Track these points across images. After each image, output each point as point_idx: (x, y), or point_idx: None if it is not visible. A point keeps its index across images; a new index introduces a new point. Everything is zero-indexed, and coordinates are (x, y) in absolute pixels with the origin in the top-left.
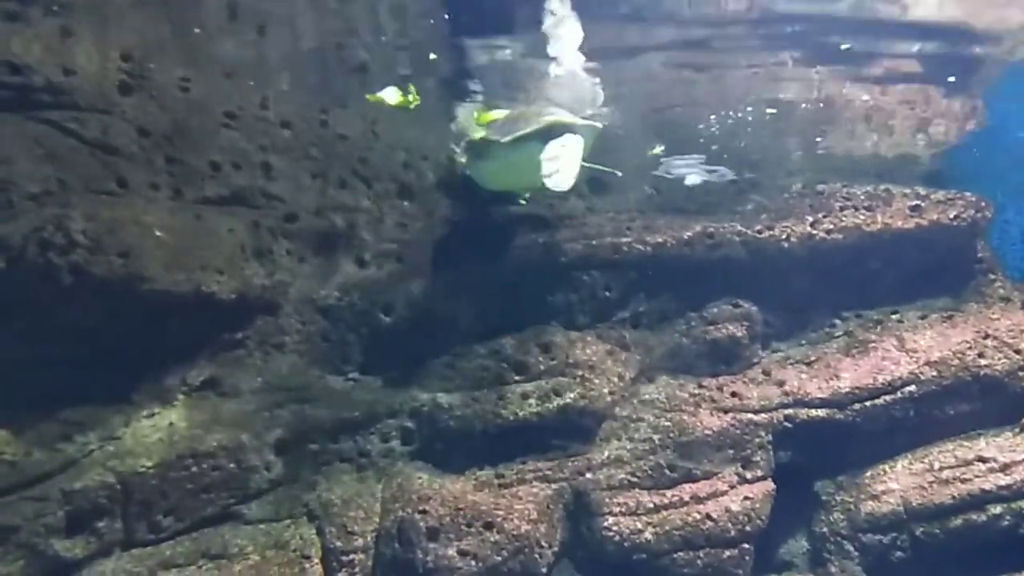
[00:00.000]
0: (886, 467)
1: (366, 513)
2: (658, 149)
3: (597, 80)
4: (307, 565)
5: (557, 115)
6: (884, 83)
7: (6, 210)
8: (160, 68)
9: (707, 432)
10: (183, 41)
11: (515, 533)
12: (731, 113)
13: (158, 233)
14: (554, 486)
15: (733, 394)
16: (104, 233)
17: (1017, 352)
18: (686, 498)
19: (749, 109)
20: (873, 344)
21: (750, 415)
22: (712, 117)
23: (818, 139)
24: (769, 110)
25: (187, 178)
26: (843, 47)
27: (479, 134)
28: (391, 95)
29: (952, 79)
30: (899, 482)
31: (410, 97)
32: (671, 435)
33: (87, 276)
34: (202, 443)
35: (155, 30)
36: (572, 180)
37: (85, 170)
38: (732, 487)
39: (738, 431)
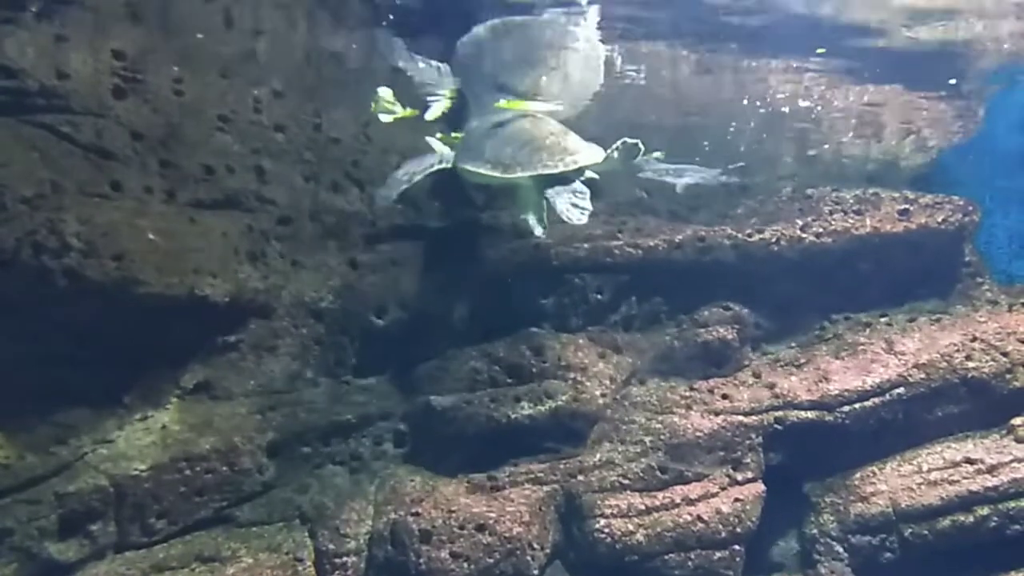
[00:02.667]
0: (875, 469)
1: (359, 516)
2: (657, 153)
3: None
4: (300, 568)
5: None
6: (874, 87)
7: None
8: (154, 72)
9: (698, 434)
10: (176, 45)
11: (507, 535)
12: (725, 116)
13: (152, 236)
14: (546, 488)
15: (724, 396)
16: (98, 236)
17: (1004, 355)
18: (677, 500)
19: (742, 112)
20: (862, 347)
21: (740, 417)
22: (706, 120)
23: (808, 143)
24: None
25: (181, 181)
26: (819, 51)
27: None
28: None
29: (953, 81)
30: (888, 484)
31: (396, 107)
32: (662, 437)
33: (81, 279)
34: (195, 446)
35: (148, 34)
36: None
37: (79, 173)
38: (723, 489)
39: (729, 433)
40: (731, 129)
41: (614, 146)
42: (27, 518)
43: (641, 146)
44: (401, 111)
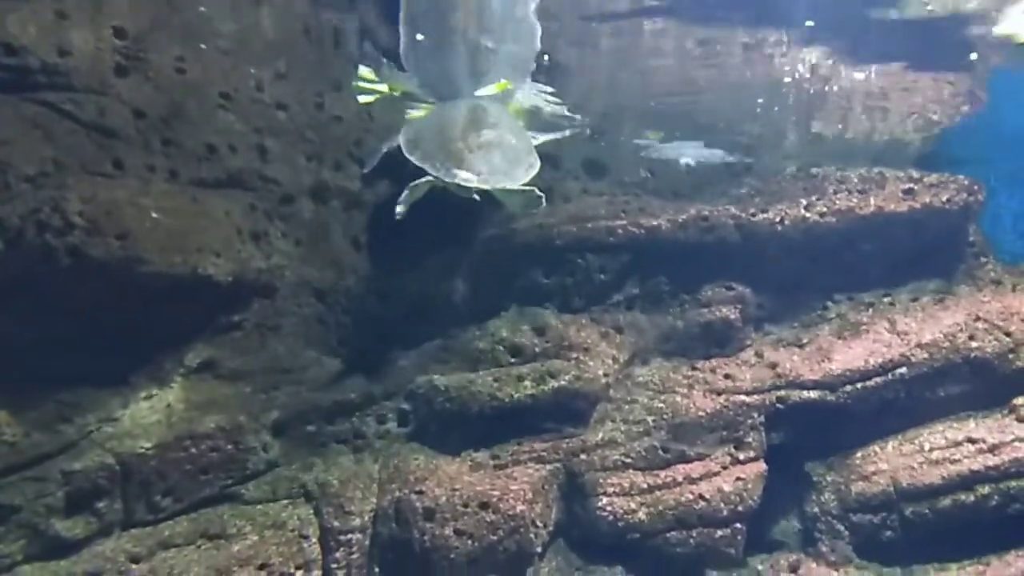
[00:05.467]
0: (877, 448)
1: (363, 494)
2: (650, 133)
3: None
4: (305, 545)
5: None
6: (879, 66)
7: (3, 192)
8: (156, 49)
9: (700, 414)
10: (179, 22)
11: (510, 513)
12: (730, 95)
13: (155, 215)
14: (549, 467)
15: (726, 376)
16: (101, 215)
17: (1007, 335)
18: (679, 479)
19: (747, 91)
20: (865, 326)
21: (743, 397)
22: (708, 99)
23: (812, 122)
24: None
25: (183, 160)
26: (808, 24)
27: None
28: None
29: (974, 56)
30: (889, 463)
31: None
32: (665, 417)
33: (85, 258)
34: (200, 424)
35: (151, 11)
36: None
37: (82, 152)
38: (725, 468)
39: (731, 412)
40: (735, 108)
41: (521, 187)
42: (34, 495)
43: (542, 202)
44: (380, 90)
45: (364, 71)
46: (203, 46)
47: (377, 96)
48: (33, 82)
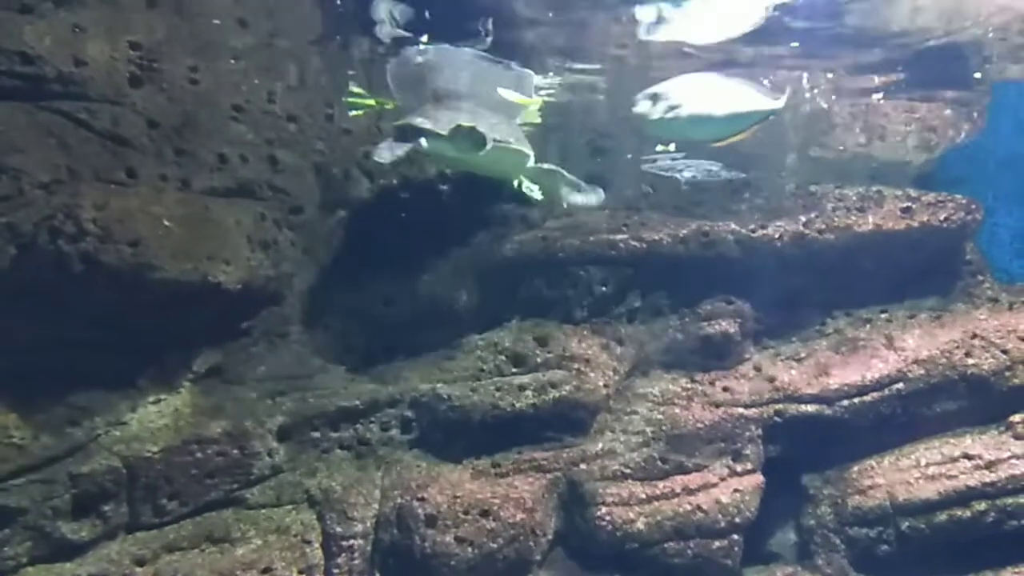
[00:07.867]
0: (873, 463)
1: (366, 500)
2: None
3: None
4: (307, 550)
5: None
6: (879, 86)
7: (17, 198)
8: (169, 60)
9: (699, 426)
10: (193, 33)
11: (511, 521)
12: None
13: (167, 223)
14: (549, 476)
15: (725, 389)
16: (114, 222)
17: (1004, 352)
18: (677, 489)
19: None
20: (862, 342)
21: (741, 410)
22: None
23: (812, 141)
24: None
25: (195, 169)
26: (792, 45)
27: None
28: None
29: (978, 75)
30: (886, 477)
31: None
32: (664, 428)
33: (97, 264)
34: (207, 429)
35: (165, 22)
36: None
37: (95, 160)
38: (722, 479)
39: (729, 425)
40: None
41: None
42: (41, 498)
43: (529, 159)
44: (369, 102)
45: (355, 87)
46: (231, 61)
47: (367, 107)
48: (48, 91)
